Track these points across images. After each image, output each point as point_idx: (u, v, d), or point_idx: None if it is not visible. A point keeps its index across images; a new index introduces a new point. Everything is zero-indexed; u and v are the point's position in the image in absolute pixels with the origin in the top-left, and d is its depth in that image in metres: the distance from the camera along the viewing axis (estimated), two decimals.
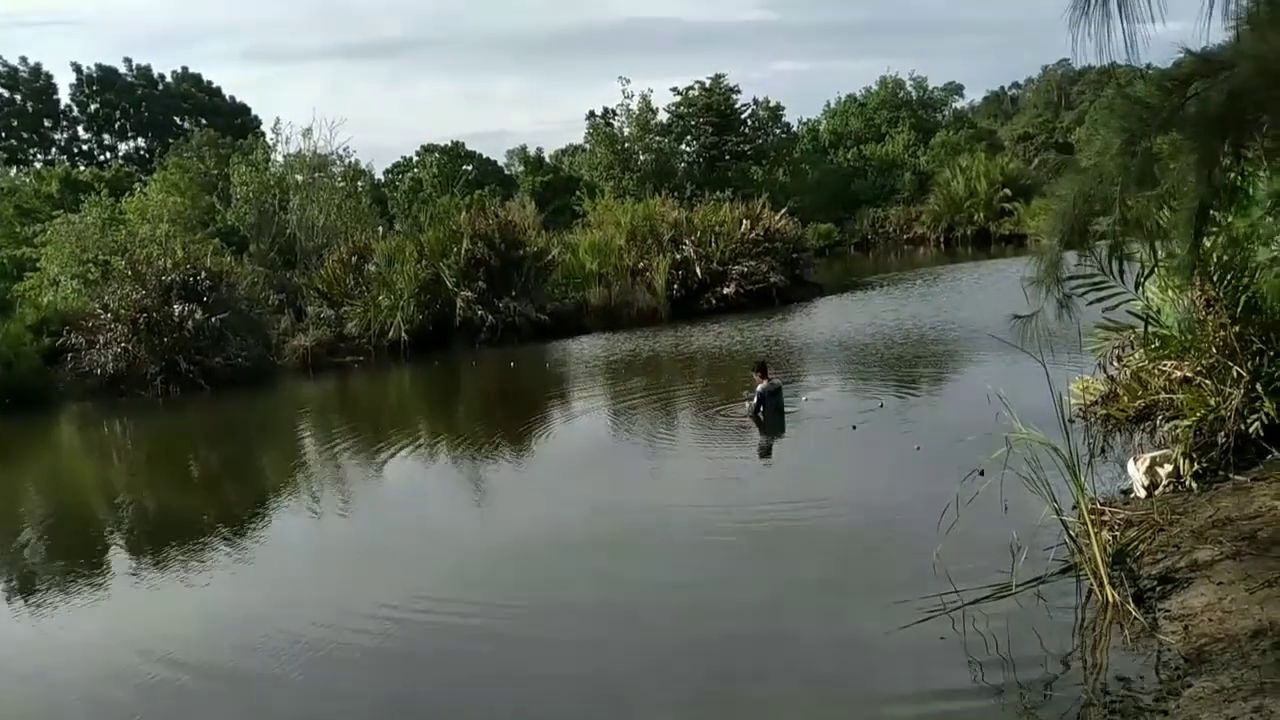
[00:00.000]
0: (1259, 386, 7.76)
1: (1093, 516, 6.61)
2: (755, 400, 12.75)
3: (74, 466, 16.71)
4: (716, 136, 55.26)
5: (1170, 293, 8.82)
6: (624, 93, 54.75)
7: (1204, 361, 8.21)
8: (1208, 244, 7.48)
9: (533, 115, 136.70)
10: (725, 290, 27.51)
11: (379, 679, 6.63)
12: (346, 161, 36.29)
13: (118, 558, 10.45)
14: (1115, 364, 9.44)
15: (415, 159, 61.12)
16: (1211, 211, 6.70)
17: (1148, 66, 6.29)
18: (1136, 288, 8.54)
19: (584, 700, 6.22)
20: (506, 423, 16.03)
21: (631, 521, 9.56)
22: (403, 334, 23.87)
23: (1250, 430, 7.70)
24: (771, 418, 12.70)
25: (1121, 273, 8.37)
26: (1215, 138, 6.01)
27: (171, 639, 7.56)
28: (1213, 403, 7.95)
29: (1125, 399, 9.11)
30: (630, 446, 13.06)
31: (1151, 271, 8.39)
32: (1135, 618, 5.86)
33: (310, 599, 8.26)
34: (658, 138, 54.72)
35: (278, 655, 7.04)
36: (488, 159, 62.05)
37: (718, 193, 39.86)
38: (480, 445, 14.28)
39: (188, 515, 12.03)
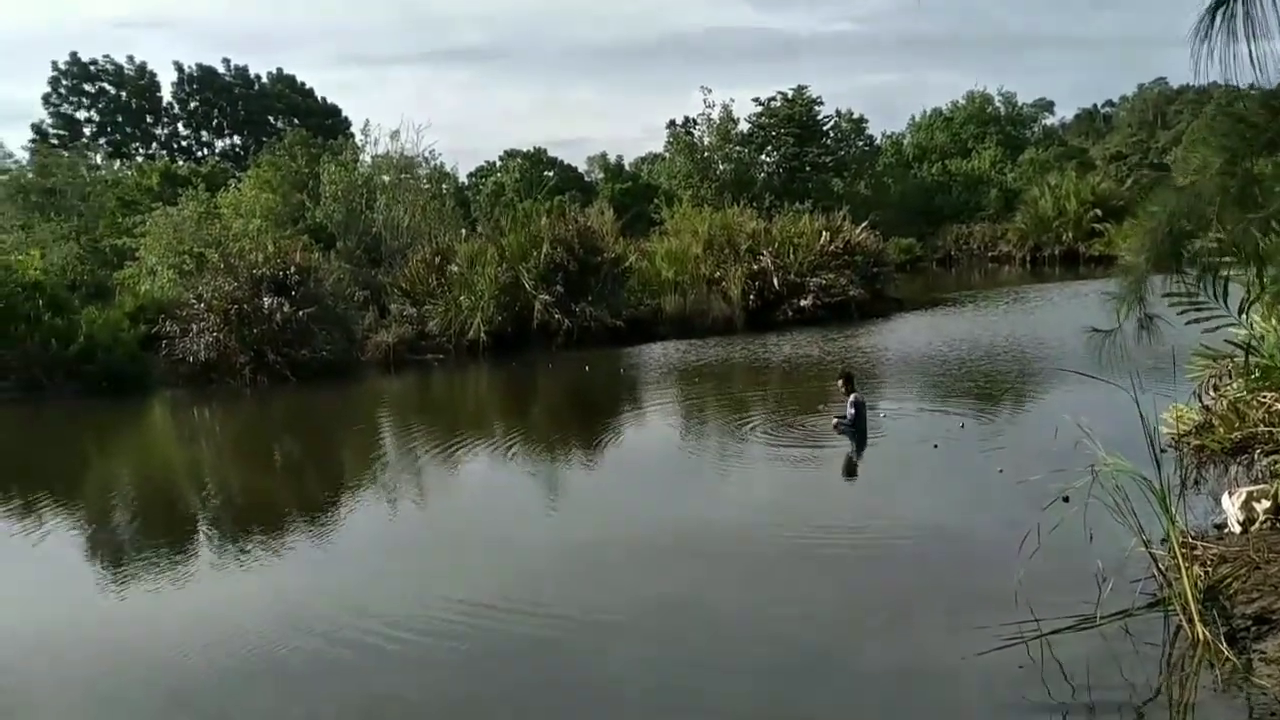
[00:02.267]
0: None
1: (1183, 550, 6.40)
2: (853, 412, 12.55)
3: (165, 450, 17.31)
4: (797, 147, 54.95)
5: (1275, 321, 8.49)
6: (705, 102, 54.87)
7: None
8: None
9: (613, 123, 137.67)
10: (802, 302, 27.30)
11: (436, 680, 6.74)
12: (432, 164, 37.09)
13: (198, 541, 10.79)
14: (1212, 393, 9.10)
15: (498, 164, 62.08)
16: None
17: (1250, 87, 6.05)
18: (1240, 313, 8.23)
19: (641, 715, 6.19)
20: (580, 425, 16.16)
21: (703, 533, 9.50)
22: (482, 334, 24.24)
23: None
24: (855, 432, 12.53)
25: (1225, 296, 8.09)
26: None
27: (236, 624, 7.77)
28: None
29: (1221, 430, 8.78)
30: (704, 455, 13.05)
31: (1258, 297, 8.08)
32: (1228, 658, 5.64)
33: (375, 594, 8.38)
34: (738, 147, 54.63)
35: (340, 648, 7.20)
36: (568, 165, 62.78)
37: (797, 204, 39.69)
38: (553, 447, 14.40)
39: (268, 501, 12.42)
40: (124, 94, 62.98)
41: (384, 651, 7.07)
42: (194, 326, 22.06)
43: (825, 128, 57.13)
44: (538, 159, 60.65)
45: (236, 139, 67.34)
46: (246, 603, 8.41)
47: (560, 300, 24.63)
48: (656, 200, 44.68)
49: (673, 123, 56.69)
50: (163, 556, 10.03)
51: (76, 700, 6.79)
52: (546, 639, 7.22)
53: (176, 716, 6.47)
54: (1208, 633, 5.89)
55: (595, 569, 8.74)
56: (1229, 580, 6.57)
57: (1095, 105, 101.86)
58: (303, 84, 69.32)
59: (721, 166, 53.42)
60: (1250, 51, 4.77)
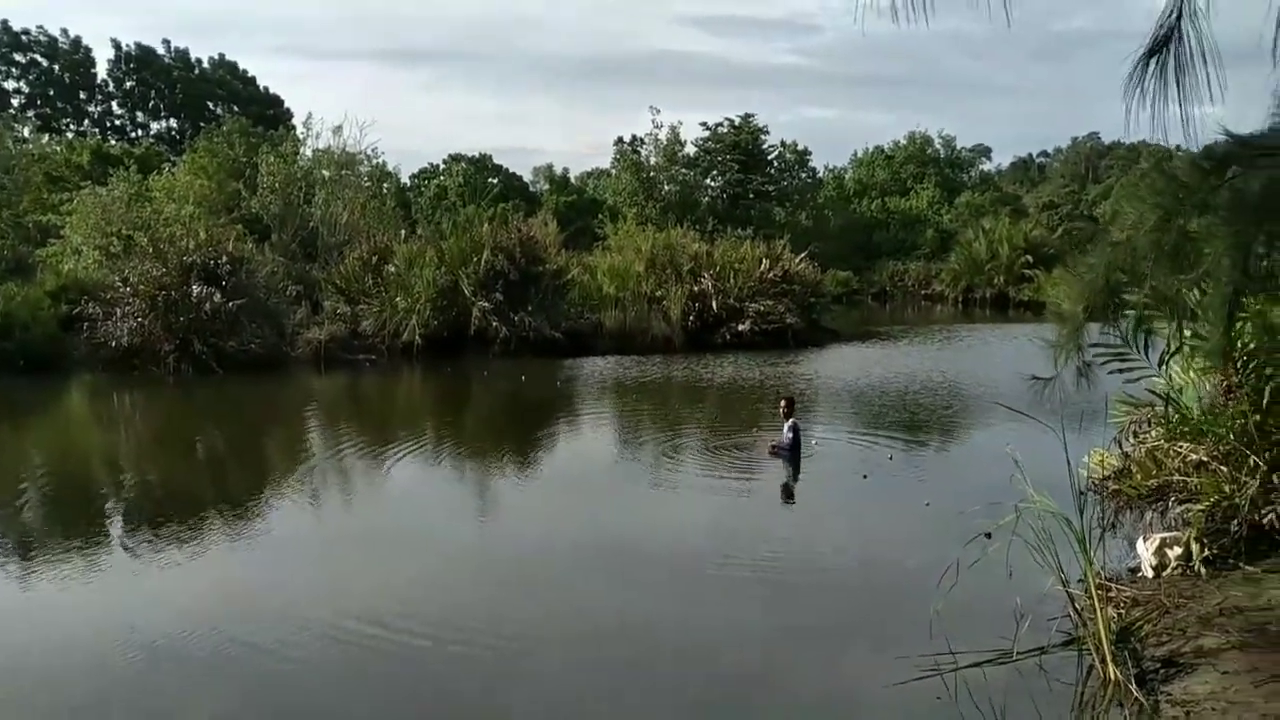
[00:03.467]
0: (1276, 478, 7.72)
1: (1099, 591, 6.57)
2: (789, 436, 12.67)
3: (80, 434, 16.73)
4: (742, 174, 55.66)
5: (1192, 373, 8.81)
6: (654, 122, 55.40)
7: (1221, 447, 8.17)
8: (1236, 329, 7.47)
9: (560, 135, 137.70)
10: (740, 327, 27.54)
11: (336, 690, 6.57)
12: (374, 162, 36.67)
13: (108, 529, 10.48)
14: (1132, 440, 9.39)
15: (442, 166, 61.58)
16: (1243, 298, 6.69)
17: (1177, 147, 6.28)
18: (1160, 365, 8.53)
19: None
20: (512, 435, 16.04)
21: (628, 551, 9.47)
22: (417, 337, 23.95)
23: (1265, 521, 7.65)
24: (790, 456, 12.65)
25: (1146, 347, 8.38)
26: (1251, 224, 6.01)
27: (139, 617, 7.54)
28: (1228, 489, 7.90)
29: (1139, 476, 9.04)
30: (635, 474, 13.02)
31: (1177, 350, 8.39)
32: (1137, 698, 5.79)
33: (277, 599, 8.15)
34: (684, 170, 55.16)
35: (236, 649, 7.04)
36: (514, 174, 62.62)
37: (739, 230, 40.12)
38: (483, 456, 14.27)
39: (184, 494, 12.07)
40: (56, 67, 61.13)
41: (275, 657, 6.91)
42: (118, 310, 21.44)
43: (770, 157, 58.01)
44: (483, 165, 60.38)
45: (173, 122, 65.78)
46: (141, 599, 8.17)
47: (499, 308, 24.48)
48: (601, 215, 44.85)
49: (621, 140, 57.05)
50: (64, 547, 9.67)
51: None
52: (452, 655, 7.08)
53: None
54: (1119, 673, 6.04)
55: (513, 585, 8.58)
56: (1141, 623, 6.77)
57: (1030, 154, 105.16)
58: (245, 71, 68.12)
59: (667, 187, 53.90)
60: (1180, 109, 4.94)
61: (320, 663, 6.85)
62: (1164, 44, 4.59)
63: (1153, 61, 4.67)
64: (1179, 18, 4.50)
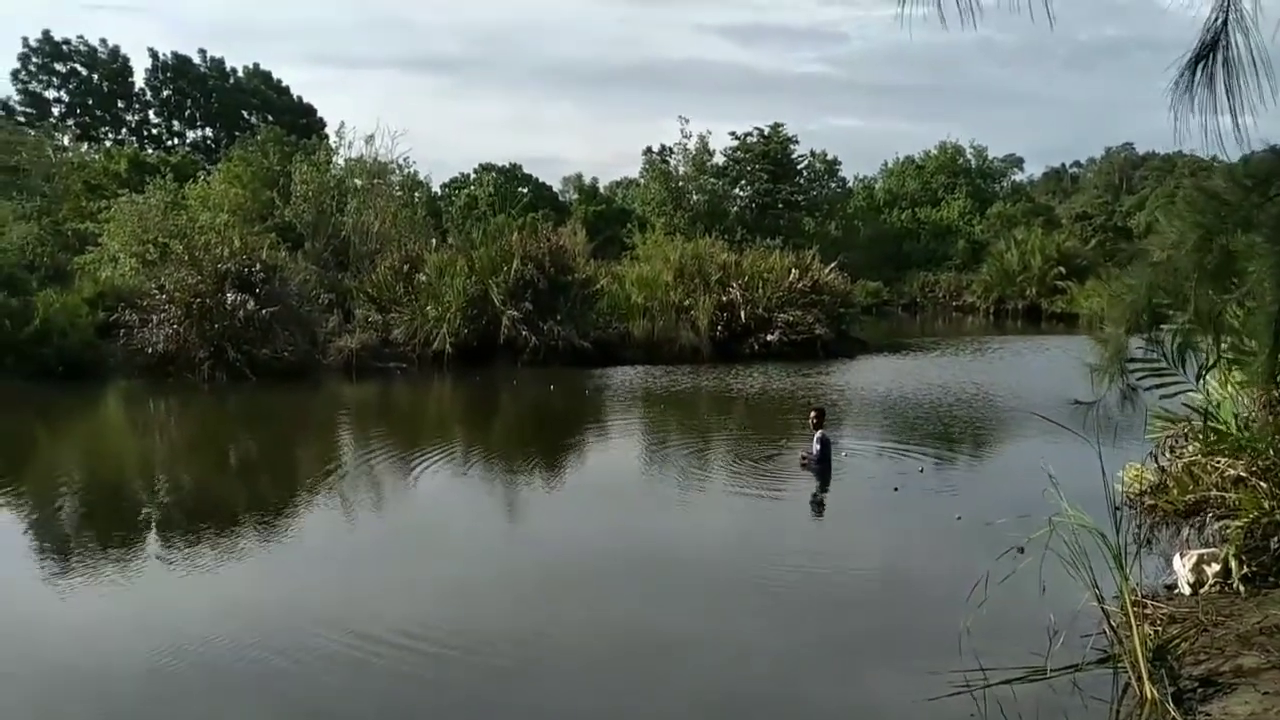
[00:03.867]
0: None
1: (1135, 608, 6.49)
2: (819, 448, 12.63)
3: (116, 440, 16.97)
4: (771, 184, 55.55)
5: (1230, 388, 8.69)
6: (683, 132, 55.44)
7: (1260, 463, 8.05)
8: None
9: (588, 144, 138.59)
10: (769, 337, 27.47)
11: (365, 697, 6.61)
12: (405, 171, 37.00)
13: (142, 536, 10.58)
14: (1168, 455, 9.27)
15: (473, 176, 62.01)
16: None
17: (1213, 158, 6.20)
18: (1197, 380, 8.42)
19: None
20: (541, 444, 16.09)
21: (655, 562, 9.45)
22: (447, 346, 24.11)
23: None
24: (821, 469, 12.60)
25: (1183, 363, 8.27)
26: None
27: (169, 626, 7.61)
28: (1267, 505, 7.78)
29: (1175, 491, 8.92)
30: (663, 484, 13.01)
31: (1214, 365, 8.27)
32: (1174, 718, 5.71)
33: (311, 604, 8.24)
34: (712, 179, 55.15)
35: (271, 658, 7.08)
36: (543, 183, 62.92)
37: (768, 240, 40.02)
38: (513, 464, 14.34)
39: (216, 501, 12.23)
40: (95, 76, 62.07)
41: (312, 664, 6.94)
42: (154, 317, 21.73)
43: (799, 166, 57.84)
44: (513, 174, 60.75)
45: (208, 131, 66.56)
46: (181, 605, 8.22)
47: (528, 317, 24.58)
48: (629, 225, 44.92)
49: (649, 150, 57.12)
50: (104, 553, 9.81)
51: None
52: (478, 662, 7.09)
53: None
54: (1155, 692, 5.96)
55: (537, 597, 8.56)
56: (1178, 641, 6.67)
57: (1063, 165, 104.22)
58: (278, 80, 68.81)
59: (695, 196, 53.90)
60: (1232, 110, 4.82)
61: (352, 669, 6.89)
62: (1210, 50, 4.52)
63: (1199, 69, 4.60)
64: (1225, 23, 4.42)
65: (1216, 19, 4.47)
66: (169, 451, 16.25)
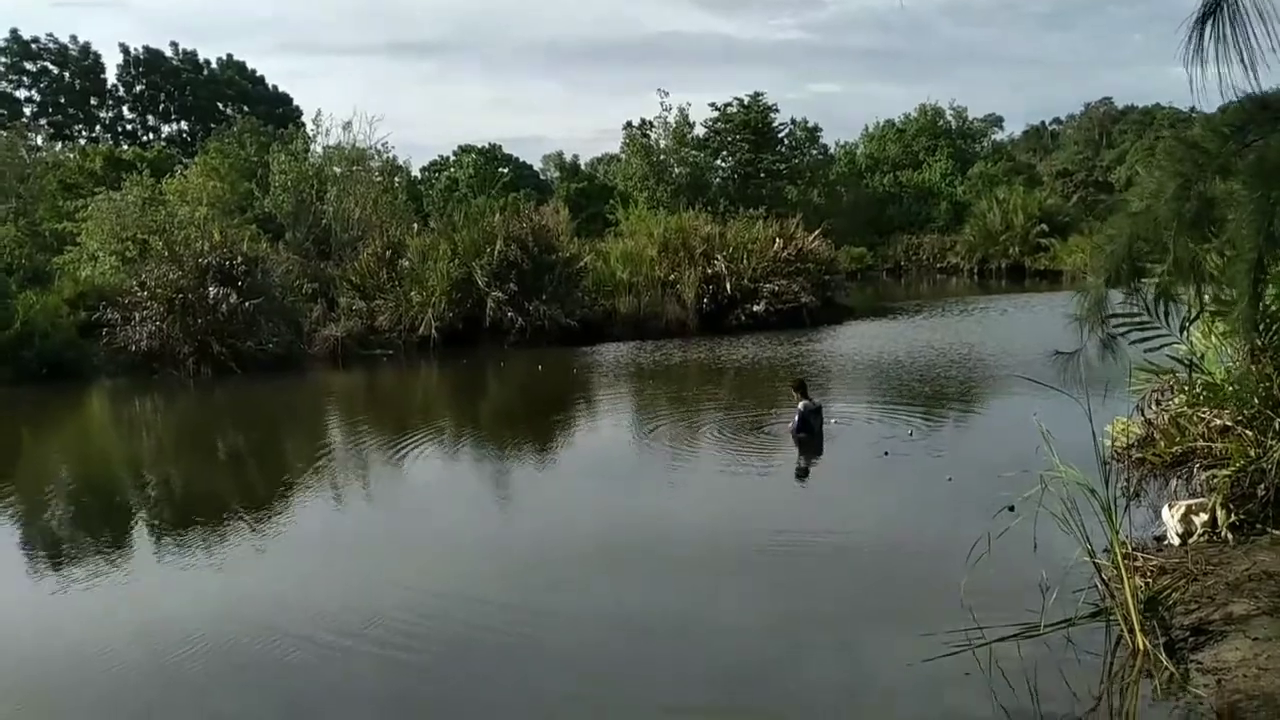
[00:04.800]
0: None
1: (1125, 561, 6.52)
2: (797, 420, 12.65)
3: (103, 439, 16.90)
4: (752, 154, 55.31)
5: (1214, 339, 8.72)
6: (662, 105, 55.15)
7: (1246, 411, 8.09)
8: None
9: (568, 122, 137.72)
10: (755, 308, 27.45)
11: (367, 680, 6.62)
12: (384, 157, 36.65)
13: (134, 533, 10.57)
14: (1154, 407, 9.31)
15: (452, 159, 61.62)
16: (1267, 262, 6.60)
17: (1192, 110, 6.20)
18: (1181, 331, 8.44)
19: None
20: (530, 425, 16.09)
21: (650, 533, 9.47)
22: (433, 330, 24.04)
23: None
24: (809, 438, 12.63)
25: (1166, 315, 8.28)
26: (1274, 187, 5.91)
27: (169, 619, 7.61)
28: (1253, 454, 7.83)
29: (1162, 444, 8.98)
30: (655, 457, 13.02)
31: (1197, 316, 8.29)
32: (1166, 668, 5.76)
33: (308, 593, 8.27)
34: (693, 151, 54.87)
35: (275, 646, 7.07)
36: (523, 163, 62.60)
37: (751, 210, 39.86)
38: (503, 445, 14.34)
39: (208, 495, 12.17)
40: (67, 74, 61.35)
41: (313, 651, 6.94)
42: (136, 315, 21.58)
43: (780, 135, 57.58)
44: (492, 155, 60.35)
45: (184, 125, 65.98)
46: (177, 599, 8.20)
47: (513, 298, 24.50)
48: (612, 201, 44.69)
49: (629, 124, 56.77)
50: (96, 550, 9.78)
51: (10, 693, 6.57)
52: (480, 640, 7.10)
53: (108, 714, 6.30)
54: (1148, 642, 6.01)
55: (533, 573, 8.60)
56: (1168, 592, 6.73)
57: (1043, 122, 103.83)
58: (253, 71, 68.21)
59: (677, 170, 53.63)
60: (1245, 63, 4.79)
61: (347, 656, 6.89)
62: (1216, 7, 4.51)
63: (1208, 26, 4.58)
64: None
65: None
66: (157, 448, 16.19)
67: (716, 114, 56.32)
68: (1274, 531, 7.51)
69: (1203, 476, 8.41)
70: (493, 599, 7.90)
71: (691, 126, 54.80)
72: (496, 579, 8.49)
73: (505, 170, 58.21)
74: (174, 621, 7.57)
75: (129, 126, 64.82)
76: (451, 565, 8.89)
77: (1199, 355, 8.75)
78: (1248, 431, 8.03)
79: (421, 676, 6.65)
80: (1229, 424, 8.31)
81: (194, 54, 66.72)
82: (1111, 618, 6.43)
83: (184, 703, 6.40)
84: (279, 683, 6.64)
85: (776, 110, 56.42)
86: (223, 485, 12.88)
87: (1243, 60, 4.68)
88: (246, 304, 21.47)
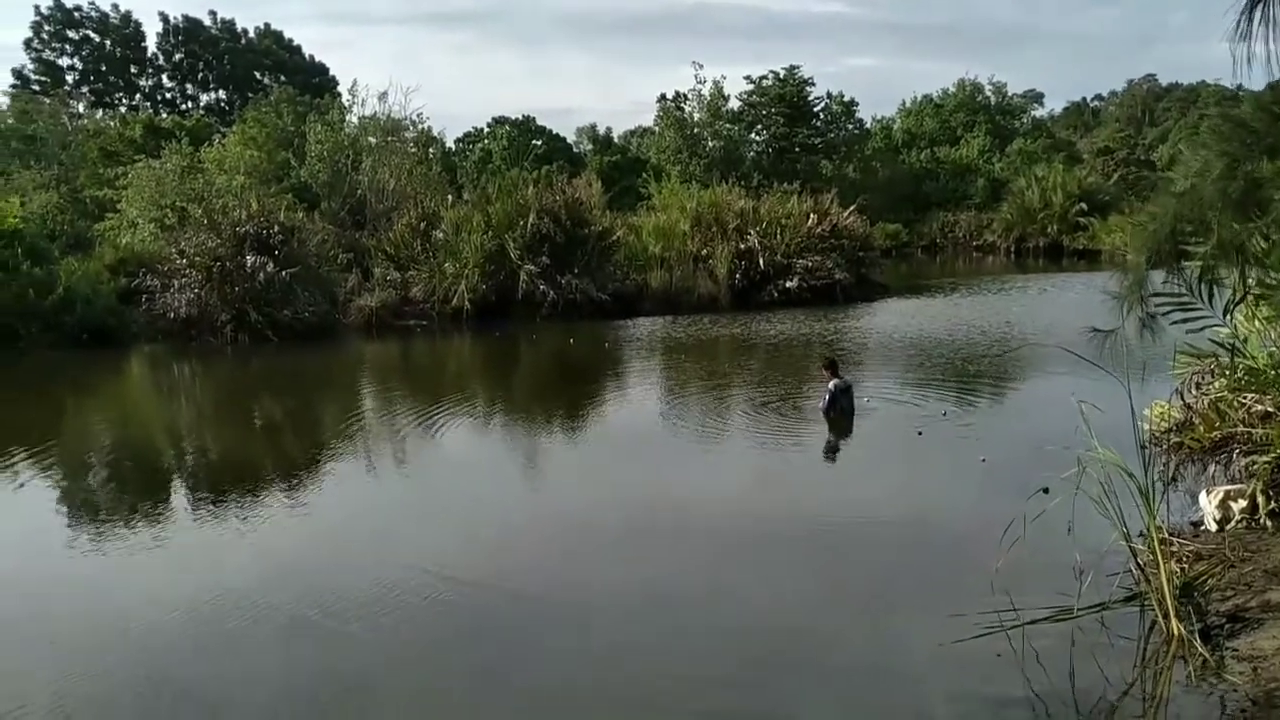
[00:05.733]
0: None
1: (1161, 546, 6.47)
2: (828, 398, 12.61)
3: (143, 405, 17.18)
4: (787, 128, 54.88)
5: (1258, 323, 8.58)
6: (697, 78, 55.03)
7: None
8: None
9: (602, 94, 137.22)
10: (788, 284, 27.29)
11: (401, 651, 6.73)
12: (419, 128, 36.75)
13: (174, 498, 10.77)
14: (1194, 391, 9.19)
15: (486, 130, 61.59)
16: None
17: (1239, 87, 6.08)
18: (1224, 314, 8.30)
19: (602, 699, 6.08)
20: (561, 398, 16.16)
21: (681, 513, 9.48)
22: (466, 302, 24.14)
23: None
24: (839, 417, 12.59)
25: (1210, 297, 8.14)
26: None
27: (209, 584, 7.74)
28: None
29: (1202, 428, 8.88)
30: (685, 433, 13.04)
31: (1242, 299, 8.15)
32: (1201, 654, 5.72)
33: (341, 561, 8.38)
34: (728, 125, 54.47)
35: (309, 612, 7.18)
36: (557, 135, 62.39)
37: (785, 184, 39.59)
38: (533, 418, 14.43)
39: (245, 462, 12.38)
40: (108, 43, 61.96)
41: (346, 621, 7.03)
42: (175, 282, 21.87)
43: (816, 109, 57.05)
44: (526, 127, 60.24)
45: (222, 93, 66.51)
46: (216, 564, 8.35)
47: (546, 271, 24.53)
48: (645, 175, 44.52)
49: (663, 97, 56.46)
50: (137, 514, 9.97)
51: (50, 655, 6.75)
52: (508, 616, 7.17)
53: (147, 676, 6.45)
54: (1182, 628, 5.97)
55: (565, 546, 8.69)
56: (1204, 577, 6.67)
57: (1084, 99, 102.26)
58: (290, 40, 68.52)
59: (711, 143, 53.28)
60: None
61: (385, 616, 7.01)
62: None
63: (1257, 11, 4.50)
64: None
65: None
66: (196, 414, 16.44)
67: (751, 87, 55.91)
68: None
69: (1242, 463, 8.31)
70: (529, 569, 8.01)
71: (726, 100, 54.44)
72: (531, 549, 8.58)
73: (539, 142, 58.08)
74: (210, 578, 7.73)
75: (168, 95, 65.44)
76: (475, 540, 8.95)
77: (1242, 339, 8.60)
78: None
79: (460, 634, 6.75)
80: (1271, 410, 8.19)
81: (232, 23, 67.16)
82: (1146, 603, 6.39)
83: (213, 656, 6.55)
84: (319, 638, 6.76)
85: (812, 84, 55.96)
86: (259, 450, 13.08)
87: None
88: (283, 273, 21.67)
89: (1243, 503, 7.68)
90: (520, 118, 60.81)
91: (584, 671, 6.39)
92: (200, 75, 65.96)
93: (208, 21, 66.27)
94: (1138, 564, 6.66)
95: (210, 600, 7.38)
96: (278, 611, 7.22)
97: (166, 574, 8.29)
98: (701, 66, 58.75)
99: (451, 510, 9.96)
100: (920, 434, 11.74)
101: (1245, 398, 8.51)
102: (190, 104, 65.05)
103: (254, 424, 15.16)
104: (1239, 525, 7.63)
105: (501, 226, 25.02)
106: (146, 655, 6.68)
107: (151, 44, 64.15)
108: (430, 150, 38.66)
